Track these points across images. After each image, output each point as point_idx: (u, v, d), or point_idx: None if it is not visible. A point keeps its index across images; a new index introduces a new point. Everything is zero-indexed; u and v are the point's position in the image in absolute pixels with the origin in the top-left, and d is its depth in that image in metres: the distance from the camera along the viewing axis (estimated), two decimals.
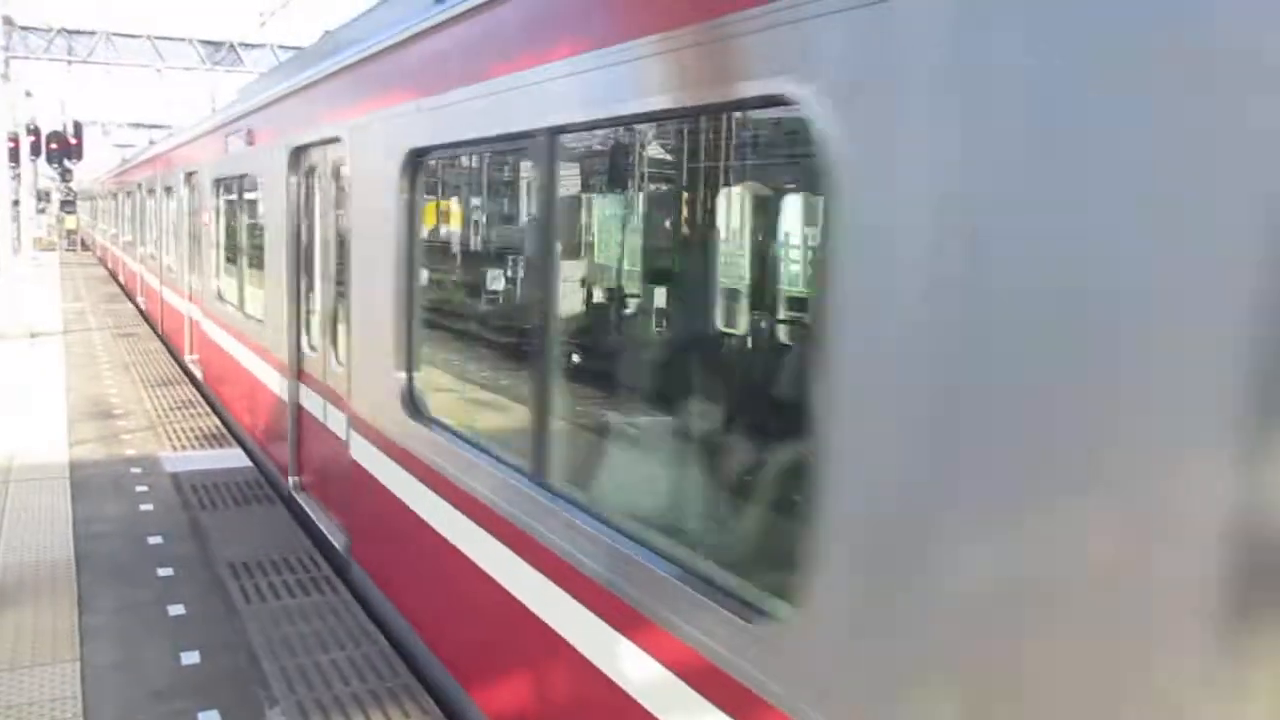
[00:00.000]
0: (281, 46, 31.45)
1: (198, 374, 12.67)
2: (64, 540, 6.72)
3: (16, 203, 27.77)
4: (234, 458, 9.11)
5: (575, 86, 3.40)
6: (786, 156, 4.09)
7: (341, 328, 6.39)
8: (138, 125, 57.23)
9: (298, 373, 7.57)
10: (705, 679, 2.69)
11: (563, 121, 3.53)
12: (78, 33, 28.81)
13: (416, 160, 5.02)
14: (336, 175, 6.60)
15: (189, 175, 13.28)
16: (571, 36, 3.44)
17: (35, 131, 30.14)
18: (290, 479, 7.66)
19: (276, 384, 8.12)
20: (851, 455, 2.20)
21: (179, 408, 11.22)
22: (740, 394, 4.37)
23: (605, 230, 5.24)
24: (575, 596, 3.44)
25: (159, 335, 17.15)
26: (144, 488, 8.00)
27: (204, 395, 12.01)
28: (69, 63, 30.05)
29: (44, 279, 27.70)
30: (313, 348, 7.28)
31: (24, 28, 27.71)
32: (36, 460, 8.72)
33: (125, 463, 8.75)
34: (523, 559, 3.84)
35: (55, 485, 7.97)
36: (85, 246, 46.80)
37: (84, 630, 5.36)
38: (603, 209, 5.29)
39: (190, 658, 5.08)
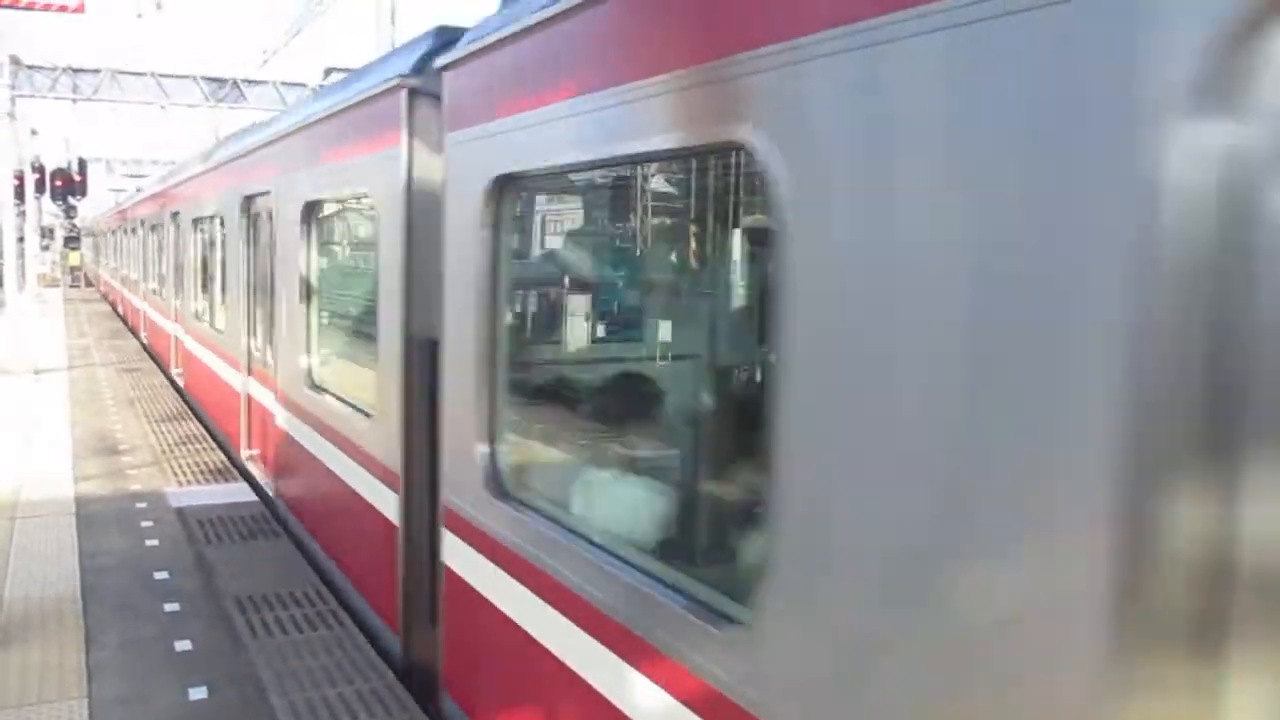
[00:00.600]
0: (284, 84, 31.70)
1: (180, 384, 14.68)
2: (70, 576, 6.71)
3: (21, 239, 27.97)
4: (239, 492, 9.10)
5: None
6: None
7: (273, 331, 8.40)
8: (140, 162, 57.66)
9: (249, 369, 9.60)
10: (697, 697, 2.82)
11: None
12: (83, 71, 29.04)
13: (310, 208, 7.25)
14: (270, 217, 8.56)
15: (174, 215, 15.47)
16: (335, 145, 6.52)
17: (40, 169, 30.33)
18: (242, 451, 9.65)
19: (235, 379, 10.07)
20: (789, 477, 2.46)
21: (184, 443, 11.22)
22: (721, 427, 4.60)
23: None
24: (456, 533, 4.52)
25: (150, 353, 19.16)
26: (149, 523, 8.00)
27: (186, 402, 13.79)
28: (74, 101, 30.31)
29: (48, 315, 27.78)
30: (258, 350, 9.24)
31: (30, 66, 27.97)
32: (42, 495, 8.73)
33: (130, 498, 8.75)
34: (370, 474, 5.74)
35: (61, 521, 7.96)
36: (89, 283, 46.96)
37: (91, 666, 5.35)
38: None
39: (198, 693, 5.06)
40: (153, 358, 18.54)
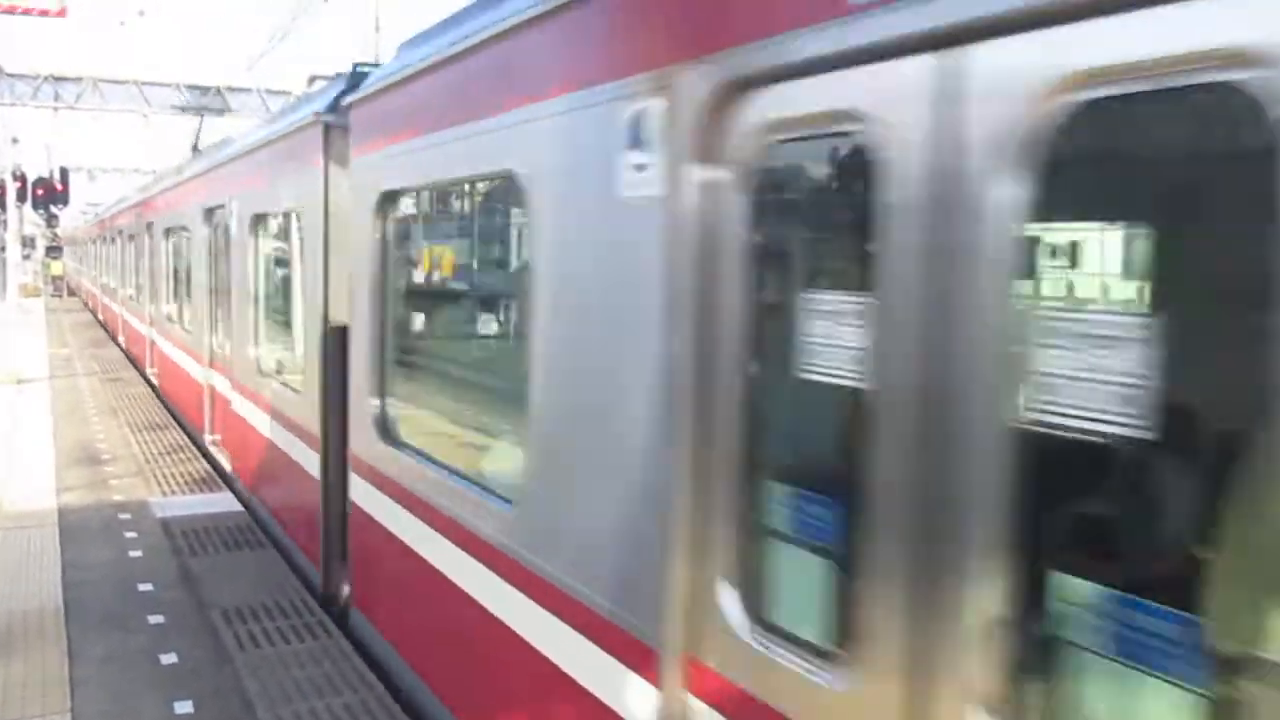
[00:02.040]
0: (269, 91, 31.58)
1: (155, 383, 15.52)
2: (53, 588, 6.62)
3: (2, 249, 27.71)
4: (224, 501, 9.01)
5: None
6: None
7: (228, 328, 9.52)
8: (122, 171, 57.26)
9: (210, 362, 10.62)
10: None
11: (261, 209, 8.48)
12: (65, 79, 28.87)
13: (256, 220, 8.61)
14: (225, 228, 9.63)
15: (148, 225, 16.49)
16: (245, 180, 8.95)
17: (21, 178, 30.09)
18: (206, 436, 10.74)
19: (199, 373, 11.13)
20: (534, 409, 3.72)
21: (168, 452, 11.11)
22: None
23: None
24: (358, 473, 5.72)
25: (129, 356, 19.72)
26: (133, 534, 7.90)
27: (160, 398, 14.62)
28: (55, 109, 30.11)
29: (30, 325, 27.53)
30: (218, 345, 10.26)
31: (11, 75, 27.77)
32: (24, 507, 8.62)
33: (114, 508, 8.65)
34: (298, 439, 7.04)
35: (44, 532, 7.86)
36: (71, 292, 46.60)
37: (74, 680, 5.26)
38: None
39: (184, 707, 4.99)
40: (131, 362, 19.08)
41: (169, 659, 5.56)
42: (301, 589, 6.69)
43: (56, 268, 46.78)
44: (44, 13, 4.75)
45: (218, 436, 10.36)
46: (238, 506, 8.83)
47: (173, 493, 9.29)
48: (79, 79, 28.98)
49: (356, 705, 4.98)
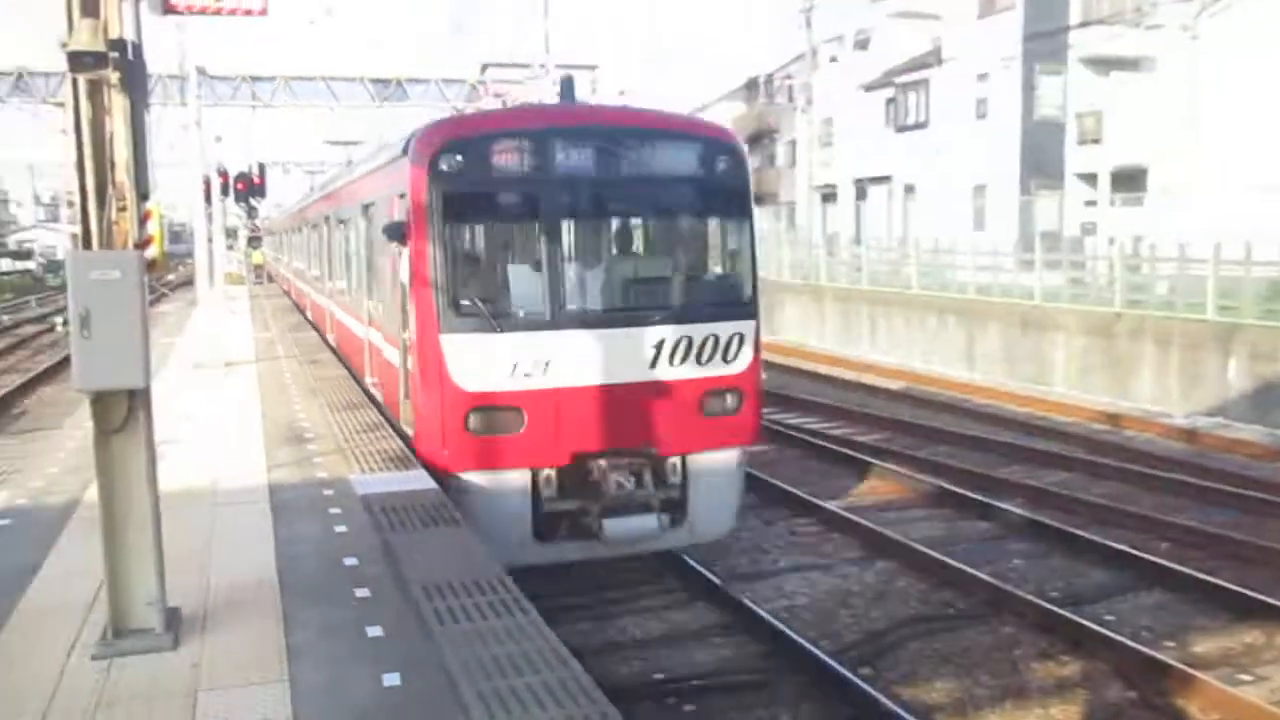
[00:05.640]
0: (445, 80, 32.57)
1: (332, 342, 18.98)
2: (267, 562, 6.98)
3: (210, 241, 29.74)
4: (418, 479, 9.31)
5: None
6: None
7: (377, 296, 12.43)
8: (310, 165, 60.48)
9: (369, 323, 13.14)
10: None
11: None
12: (260, 79, 30.62)
13: (366, 211, 12.93)
14: (373, 221, 12.00)
15: (326, 218, 19.31)
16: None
17: (224, 173, 32.12)
18: (366, 378, 13.64)
19: (360, 331, 14.07)
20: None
21: (364, 430, 11.60)
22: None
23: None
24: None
25: (313, 326, 23.43)
26: (337, 510, 8.26)
27: (337, 355, 17.79)
28: (253, 108, 31.97)
29: (235, 311, 29.41)
30: (373, 308, 12.77)
31: (213, 77, 29.63)
32: (239, 484, 9.16)
33: (318, 485, 9.08)
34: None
35: (257, 508, 8.32)
36: (270, 279, 49.60)
37: (290, 650, 5.52)
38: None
39: (391, 679, 5.15)
40: (314, 327, 22.80)
41: (375, 631, 5.76)
42: (498, 567, 6.83)
43: (257, 257, 49.82)
44: (248, 12, 5.01)
45: (375, 379, 12.83)
46: (431, 484, 9.11)
47: (370, 470, 9.68)
48: (273, 78, 30.68)
49: (554, 684, 5.02)
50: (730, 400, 9.32)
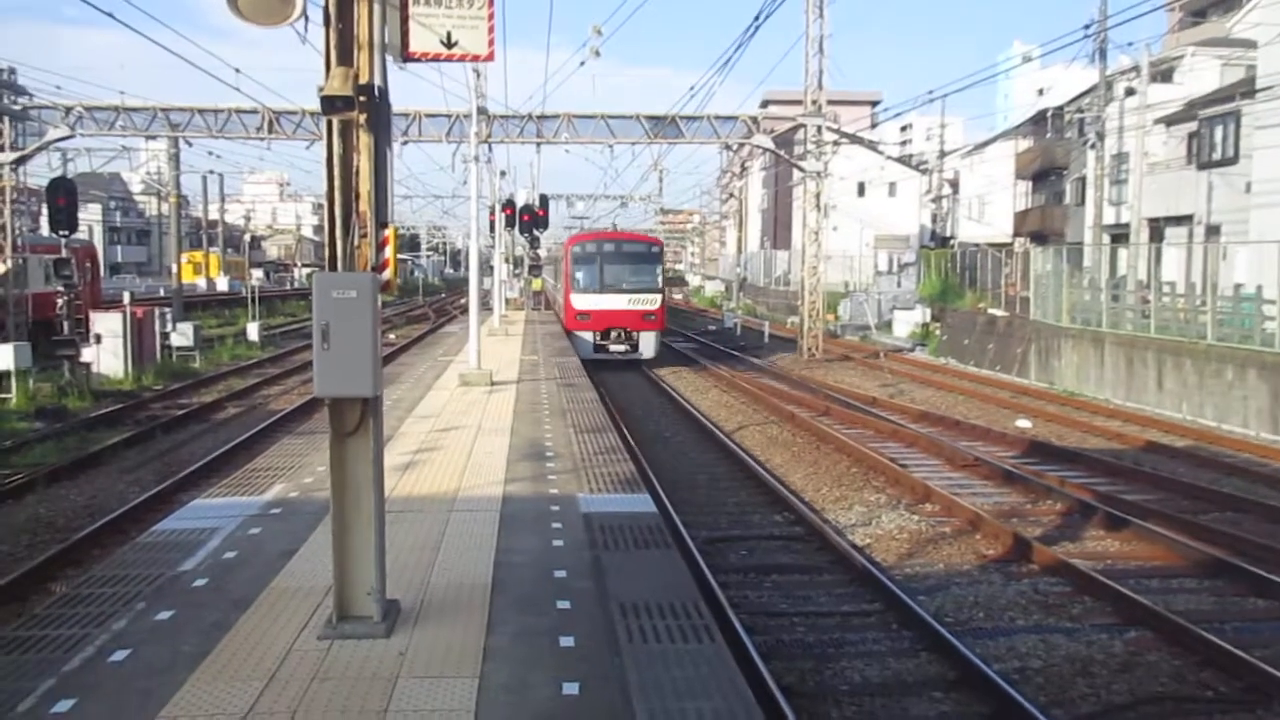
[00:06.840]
0: (717, 117, 33.31)
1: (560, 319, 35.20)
2: (485, 568, 7.44)
3: (492, 268, 32.35)
4: (641, 503, 9.59)
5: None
6: None
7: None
8: (589, 197, 63.69)
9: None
10: None
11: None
12: (545, 117, 32.61)
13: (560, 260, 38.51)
14: (559, 261, 41.02)
15: (557, 259, 33.04)
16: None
17: (510, 206, 34.47)
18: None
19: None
20: None
21: (602, 453, 12.06)
22: None
23: None
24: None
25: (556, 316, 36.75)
26: (558, 525, 8.66)
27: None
28: (538, 145, 34.08)
29: (509, 334, 31.38)
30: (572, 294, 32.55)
31: (503, 116, 31.90)
32: (476, 494, 9.80)
33: (547, 500, 9.55)
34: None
35: (487, 517, 8.87)
36: (548, 305, 52.48)
37: (487, 651, 5.86)
38: None
39: (570, 688, 5.35)
40: (557, 319, 36.36)
41: (567, 641, 6.00)
42: (695, 590, 6.92)
43: (537, 284, 52.82)
44: (475, 57, 5.41)
45: (559, 313, 28.53)
46: (652, 508, 9.36)
47: (599, 491, 10.06)
48: (556, 115, 32.57)
49: (723, 710, 5.04)
50: (652, 317, 30.50)
